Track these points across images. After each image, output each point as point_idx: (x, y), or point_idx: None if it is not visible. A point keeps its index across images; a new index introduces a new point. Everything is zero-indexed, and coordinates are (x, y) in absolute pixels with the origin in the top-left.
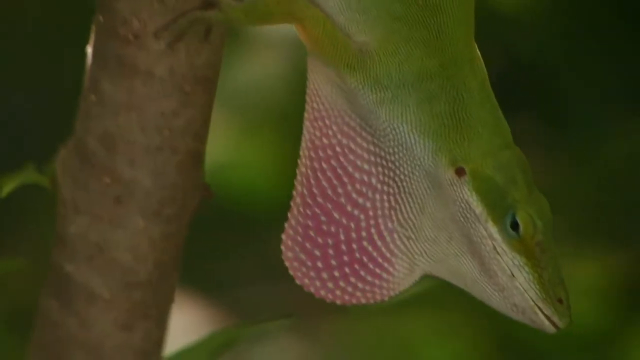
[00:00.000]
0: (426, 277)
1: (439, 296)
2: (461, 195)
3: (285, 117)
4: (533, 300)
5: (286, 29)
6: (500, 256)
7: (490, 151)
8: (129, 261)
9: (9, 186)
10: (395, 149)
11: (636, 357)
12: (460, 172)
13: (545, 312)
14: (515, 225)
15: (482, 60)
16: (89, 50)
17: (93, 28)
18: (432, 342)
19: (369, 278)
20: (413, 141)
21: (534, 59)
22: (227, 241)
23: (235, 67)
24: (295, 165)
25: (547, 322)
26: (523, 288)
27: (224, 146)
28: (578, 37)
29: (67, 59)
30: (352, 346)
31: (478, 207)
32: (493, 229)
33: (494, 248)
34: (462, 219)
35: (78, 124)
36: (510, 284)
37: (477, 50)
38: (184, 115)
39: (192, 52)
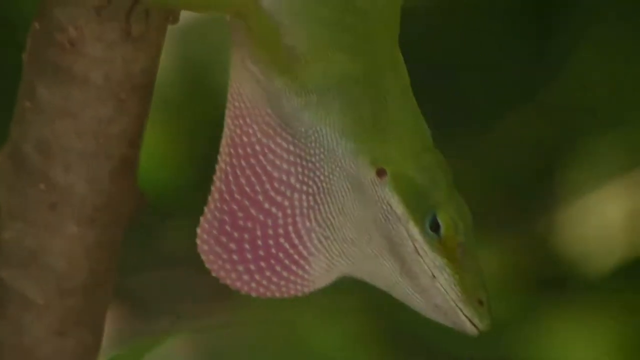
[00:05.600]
0: None
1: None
2: (382, 196)
3: (178, 107)
4: (454, 301)
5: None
6: (422, 257)
7: (412, 153)
8: (63, 267)
9: None
10: (317, 150)
11: (526, 342)
12: (381, 173)
13: (466, 313)
14: (436, 227)
15: (404, 65)
16: (25, 56)
17: (29, 35)
18: (321, 326)
19: (284, 273)
20: (335, 143)
21: (418, 46)
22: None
23: None
24: (189, 153)
25: (468, 324)
26: (444, 289)
27: None
28: (465, 25)
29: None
30: (239, 335)
31: (399, 208)
32: (414, 230)
33: (415, 249)
34: (383, 220)
35: (13, 130)
36: (432, 285)
37: (401, 55)
38: (119, 122)
39: (129, 59)
